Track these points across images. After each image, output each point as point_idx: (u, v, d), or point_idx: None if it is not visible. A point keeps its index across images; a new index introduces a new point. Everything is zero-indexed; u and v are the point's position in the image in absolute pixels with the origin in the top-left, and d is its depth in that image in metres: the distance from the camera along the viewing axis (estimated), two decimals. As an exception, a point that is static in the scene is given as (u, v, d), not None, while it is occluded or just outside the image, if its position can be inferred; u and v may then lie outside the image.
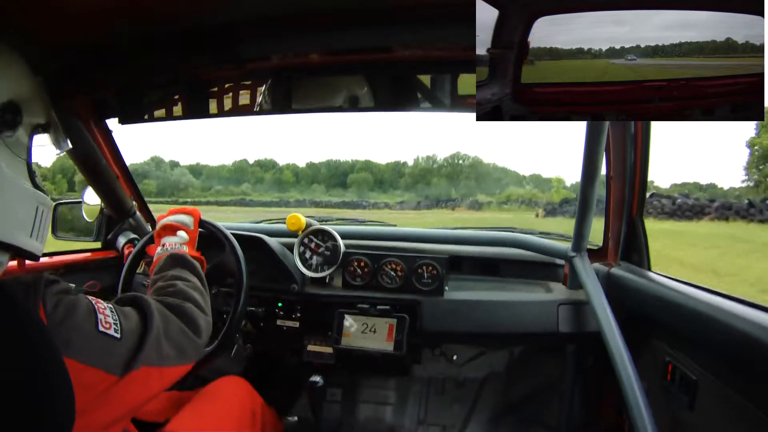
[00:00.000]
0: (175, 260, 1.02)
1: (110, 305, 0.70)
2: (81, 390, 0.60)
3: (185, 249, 1.09)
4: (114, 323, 0.67)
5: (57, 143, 0.83)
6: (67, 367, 0.58)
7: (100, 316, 0.65)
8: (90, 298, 0.68)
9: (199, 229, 1.37)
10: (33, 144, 0.76)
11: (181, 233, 1.12)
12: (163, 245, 1.09)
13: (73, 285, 0.68)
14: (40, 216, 0.74)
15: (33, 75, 0.75)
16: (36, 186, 0.74)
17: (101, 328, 0.64)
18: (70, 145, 0.88)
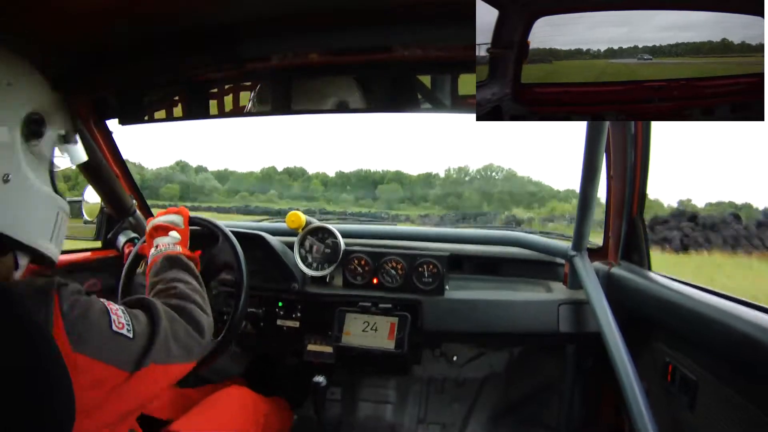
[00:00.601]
0: (172, 262, 1.03)
1: (121, 307, 0.73)
2: (93, 386, 0.63)
3: (178, 249, 1.09)
4: (127, 323, 0.70)
5: (73, 155, 0.86)
6: (80, 363, 0.61)
7: (113, 317, 0.69)
8: (102, 300, 0.71)
9: (198, 227, 1.37)
10: (54, 153, 0.79)
11: (173, 233, 1.12)
12: (157, 246, 1.10)
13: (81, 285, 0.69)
14: (60, 221, 0.78)
15: (51, 89, 0.78)
16: (56, 191, 0.78)
17: (115, 328, 0.68)
18: (86, 157, 0.91)
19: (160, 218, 1.17)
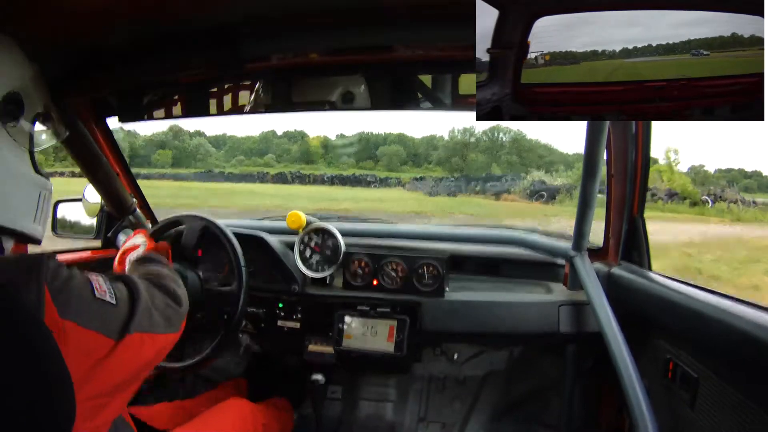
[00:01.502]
0: (138, 261, 1.06)
1: (102, 275, 0.74)
2: (82, 356, 0.63)
3: (141, 251, 1.13)
4: (109, 290, 0.71)
5: (56, 131, 0.85)
6: (68, 330, 0.61)
7: (95, 284, 0.69)
8: (83, 270, 0.71)
9: (199, 229, 1.37)
10: (34, 132, 0.78)
11: (138, 250, 1.16)
12: (128, 261, 1.13)
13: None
14: (42, 200, 0.78)
15: (30, 63, 0.76)
16: (38, 171, 0.77)
17: (98, 295, 0.68)
18: (68, 133, 0.91)
19: (120, 252, 1.19)
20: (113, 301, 0.70)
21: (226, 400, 1.32)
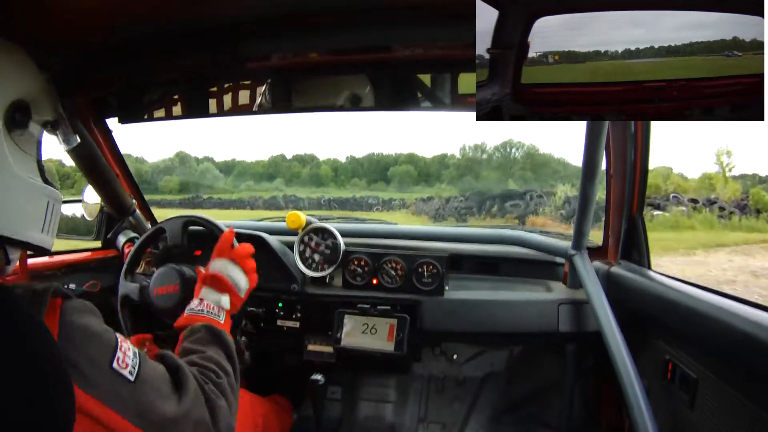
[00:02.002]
0: (215, 337, 0.93)
1: (138, 351, 0.69)
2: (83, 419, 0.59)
3: (222, 318, 0.99)
4: (132, 366, 0.66)
5: (66, 139, 0.83)
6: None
7: (119, 354, 0.65)
8: (118, 335, 0.67)
9: (199, 228, 1.37)
10: (42, 140, 0.77)
11: (225, 299, 1.01)
12: (201, 300, 1.00)
13: (90, 304, 0.67)
14: (51, 210, 0.76)
15: (39, 72, 0.75)
16: (46, 181, 0.76)
17: (116, 365, 0.64)
18: (79, 140, 0.89)
19: (229, 269, 1.05)
20: (131, 378, 0.65)
21: None
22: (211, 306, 0.99)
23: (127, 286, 1.35)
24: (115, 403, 0.62)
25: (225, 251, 1.06)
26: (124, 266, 1.38)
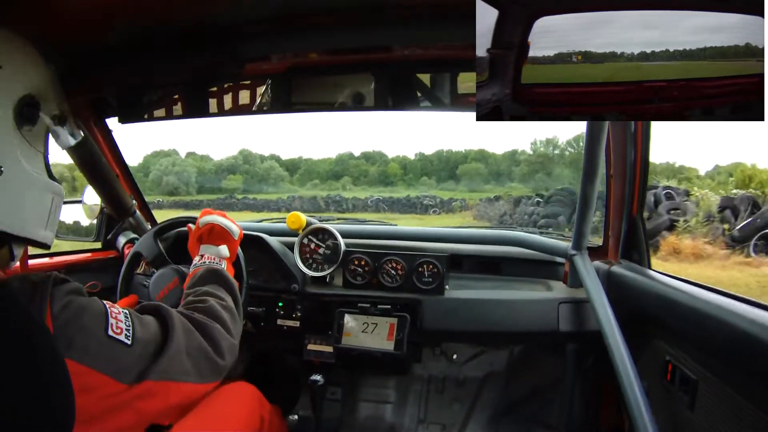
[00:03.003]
0: (213, 275, 0.96)
1: (126, 311, 0.69)
2: (82, 391, 0.59)
3: (223, 265, 1.03)
4: (126, 329, 0.66)
5: (71, 133, 0.82)
6: (68, 368, 0.58)
7: (112, 320, 0.65)
8: (105, 302, 0.68)
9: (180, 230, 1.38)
10: (49, 135, 0.77)
11: (223, 248, 1.06)
12: (202, 256, 1.04)
13: (75, 284, 0.68)
14: (54, 206, 0.76)
15: (46, 65, 0.74)
16: (51, 176, 0.75)
17: (110, 333, 0.64)
18: (83, 134, 0.89)
19: (218, 219, 1.09)
20: (128, 341, 0.65)
21: (230, 383, 1.31)
22: (211, 257, 1.04)
23: (126, 286, 1.36)
24: (114, 370, 0.63)
25: (207, 212, 1.13)
26: (124, 266, 1.39)
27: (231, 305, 0.91)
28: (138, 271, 1.44)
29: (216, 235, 1.08)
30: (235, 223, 1.13)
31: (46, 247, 0.77)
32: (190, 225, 1.17)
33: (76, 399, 0.58)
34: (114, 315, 0.66)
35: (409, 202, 16.86)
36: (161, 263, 1.33)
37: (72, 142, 0.82)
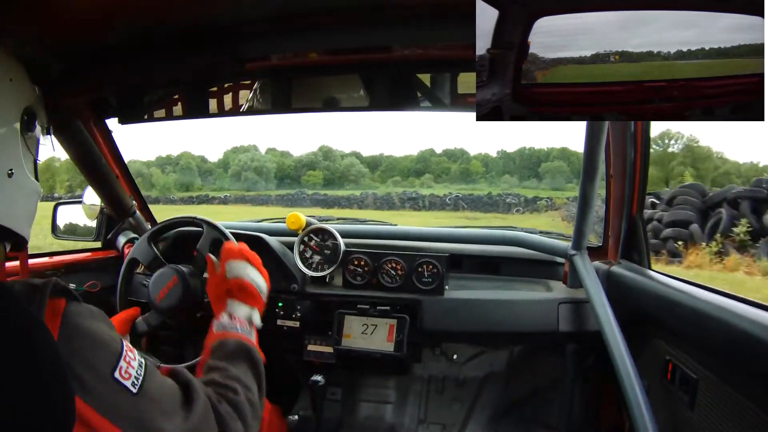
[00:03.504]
0: (245, 354, 0.89)
1: (145, 362, 0.67)
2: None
3: (253, 335, 0.96)
4: (136, 377, 0.63)
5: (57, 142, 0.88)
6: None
7: (122, 363, 0.63)
8: (126, 343, 0.66)
9: (198, 228, 1.38)
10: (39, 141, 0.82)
11: (256, 314, 0.99)
12: (232, 316, 0.96)
13: (98, 309, 0.66)
14: (36, 206, 0.80)
15: (33, 85, 0.79)
16: (36, 178, 0.80)
17: (117, 375, 0.61)
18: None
19: (250, 273, 1.01)
20: (133, 390, 0.62)
21: None
22: (243, 323, 0.95)
23: (126, 286, 1.37)
24: (113, 414, 0.60)
25: (235, 252, 1.03)
26: (123, 266, 1.39)
27: (256, 399, 0.84)
28: (138, 270, 1.44)
29: (248, 294, 0.99)
30: (264, 273, 1.05)
31: (25, 244, 0.79)
32: (212, 260, 1.07)
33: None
34: (127, 359, 0.64)
35: (490, 200, 15.95)
36: (158, 266, 1.33)
37: (53, 150, 0.87)
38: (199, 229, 1.37)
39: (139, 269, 1.44)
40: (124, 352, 0.64)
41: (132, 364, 0.64)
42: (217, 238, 1.34)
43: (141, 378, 0.64)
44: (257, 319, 0.99)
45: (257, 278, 1.02)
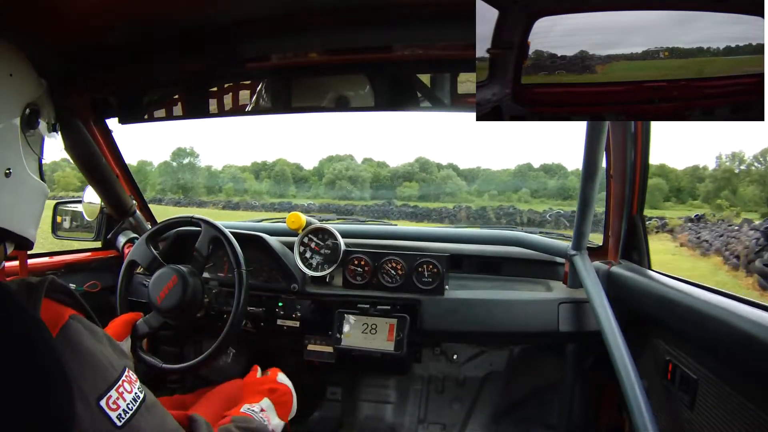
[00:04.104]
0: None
1: (140, 394, 0.65)
2: None
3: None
4: (125, 410, 0.61)
5: (61, 139, 0.86)
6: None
7: (113, 394, 0.61)
8: (131, 373, 0.65)
9: (197, 227, 1.38)
10: (44, 140, 0.80)
11: (280, 425, 1.07)
12: (263, 410, 1.03)
13: (103, 331, 0.65)
14: (42, 207, 0.78)
15: (39, 78, 0.78)
16: (42, 178, 0.78)
17: (103, 404, 0.59)
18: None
19: (292, 391, 1.15)
20: (117, 422, 0.60)
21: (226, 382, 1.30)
22: (270, 425, 1.01)
23: (126, 286, 1.37)
24: None
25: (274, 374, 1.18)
26: (123, 265, 1.39)
27: None
28: (138, 270, 1.44)
29: (285, 405, 1.09)
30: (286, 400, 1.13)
31: (31, 245, 0.78)
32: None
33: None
34: (120, 391, 0.62)
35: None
36: (157, 267, 1.33)
37: (61, 147, 0.87)
38: (198, 228, 1.37)
39: (139, 270, 1.44)
40: (119, 382, 0.62)
41: (125, 396, 0.61)
42: (215, 236, 1.34)
43: (131, 413, 0.62)
44: (279, 429, 1.06)
45: (293, 401, 1.14)
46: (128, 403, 0.61)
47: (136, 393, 0.63)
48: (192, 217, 1.40)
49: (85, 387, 0.59)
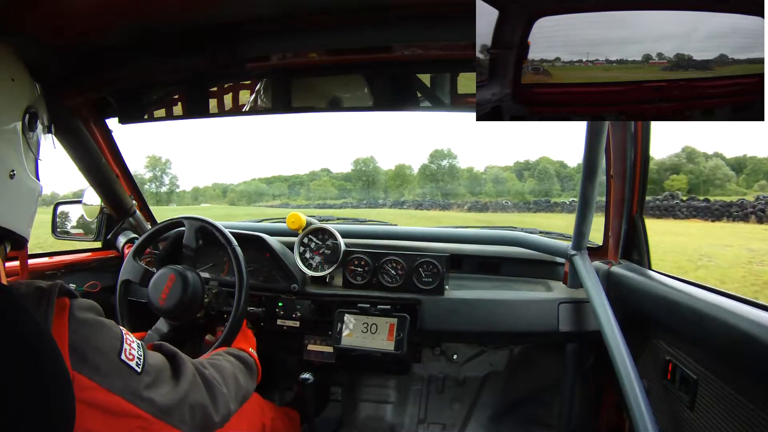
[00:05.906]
0: (236, 356, 1.05)
1: (139, 341, 0.73)
2: (86, 408, 0.61)
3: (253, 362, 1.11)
4: (138, 357, 0.70)
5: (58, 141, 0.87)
6: (77, 382, 0.61)
7: (126, 346, 0.68)
8: (122, 328, 0.71)
9: (195, 229, 1.37)
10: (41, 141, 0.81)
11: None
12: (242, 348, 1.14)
13: (93, 302, 0.69)
14: (37, 205, 0.80)
15: (34, 83, 0.79)
16: (37, 178, 0.80)
17: (123, 357, 0.67)
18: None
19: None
20: (138, 369, 0.69)
21: None
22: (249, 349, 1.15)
23: (126, 285, 1.35)
24: (124, 392, 0.66)
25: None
26: (123, 265, 1.38)
27: (242, 383, 0.98)
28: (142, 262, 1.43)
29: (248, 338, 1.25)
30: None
31: (25, 243, 0.79)
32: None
33: (80, 413, 0.59)
34: (128, 341, 0.70)
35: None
36: (150, 277, 1.31)
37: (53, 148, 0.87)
38: (182, 228, 1.37)
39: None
40: (124, 336, 0.70)
41: (132, 346, 0.70)
42: (201, 226, 1.34)
43: (143, 358, 0.71)
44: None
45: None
46: (137, 351, 0.70)
47: (135, 341, 0.72)
48: (172, 219, 1.40)
49: (106, 349, 0.65)
